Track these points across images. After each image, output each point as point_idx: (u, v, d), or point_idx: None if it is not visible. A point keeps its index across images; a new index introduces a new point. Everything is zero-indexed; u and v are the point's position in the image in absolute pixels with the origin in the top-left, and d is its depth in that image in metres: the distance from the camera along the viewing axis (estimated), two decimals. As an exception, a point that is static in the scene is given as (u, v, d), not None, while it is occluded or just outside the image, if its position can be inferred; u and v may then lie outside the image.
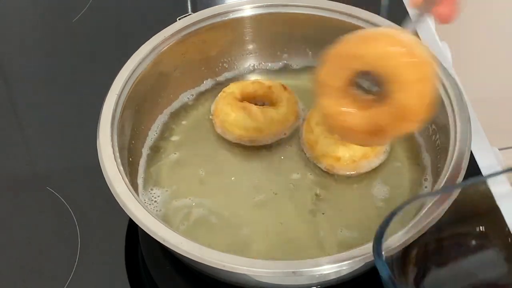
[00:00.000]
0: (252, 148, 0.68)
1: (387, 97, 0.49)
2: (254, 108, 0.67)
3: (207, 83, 0.73)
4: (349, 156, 0.63)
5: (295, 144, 0.68)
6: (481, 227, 0.54)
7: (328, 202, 0.63)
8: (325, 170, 0.65)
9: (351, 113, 0.51)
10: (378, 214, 0.61)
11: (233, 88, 0.70)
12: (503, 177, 0.51)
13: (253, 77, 0.74)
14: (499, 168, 0.66)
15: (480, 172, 0.66)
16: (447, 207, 0.51)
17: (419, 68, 0.47)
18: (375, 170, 0.65)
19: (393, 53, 0.48)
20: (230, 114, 0.67)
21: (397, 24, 0.68)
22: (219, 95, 0.70)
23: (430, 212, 0.52)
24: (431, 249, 0.53)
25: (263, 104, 0.70)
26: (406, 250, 0.50)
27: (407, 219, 0.52)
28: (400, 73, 0.48)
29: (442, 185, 0.55)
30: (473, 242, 0.54)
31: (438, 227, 0.52)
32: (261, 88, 0.70)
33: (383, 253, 0.46)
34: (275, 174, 0.66)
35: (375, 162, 0.65)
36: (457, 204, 0.51)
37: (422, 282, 0.52)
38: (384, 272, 0.45)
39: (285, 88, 0.69)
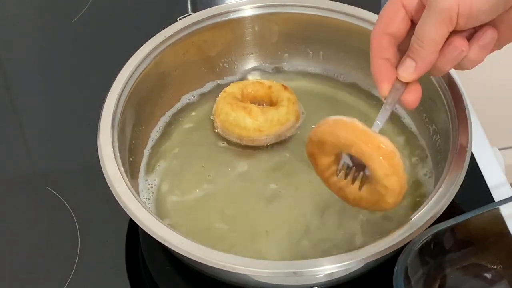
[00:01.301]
0: (253, 148, 0.68)
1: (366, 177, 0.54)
2: (254, 108, 0.67)
3: (208, 83, 0.73)
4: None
5: (296, 144, 0.68)
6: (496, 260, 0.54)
7: (332, 201, 0.63)
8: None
9: (337, 185, 0.56)
10: (383, 215, 0.61)
11: (234, 88, 0.70)
12: None
13: (253, 77, 0.74)
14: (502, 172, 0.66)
15: (481, 172, 0.66)
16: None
17: (388, 164, 0.51)
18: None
19: (363, 151, 0.51)
20: (230, 113, 0.67)
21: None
22: (219, 95, 0.70)
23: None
24: (452, 280, 0.53)
25: (263, 104, 0.70)
26: (428, 283, 0.52)
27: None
28: (372, 168, 0.52)
29: (442, 185, 0.55)
30: (488, 275, 0.54)
31: (462, 256, 0.53)
32: (262, 88, 0.70)
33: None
34: (276, 174, 0.66)
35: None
36: (474, 232, 0.53)
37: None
38: None
39: (285, 88, 0.69)
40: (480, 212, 0.52)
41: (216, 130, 0.69)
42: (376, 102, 0.71)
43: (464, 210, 0.58)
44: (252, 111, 0.67)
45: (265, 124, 0.66)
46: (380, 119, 0.53)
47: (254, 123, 0.66)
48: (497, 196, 0.64)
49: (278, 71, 0.75)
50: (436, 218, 0.53)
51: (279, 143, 0.68)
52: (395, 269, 0.49)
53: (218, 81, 0.74)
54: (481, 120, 0.71)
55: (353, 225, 0.61)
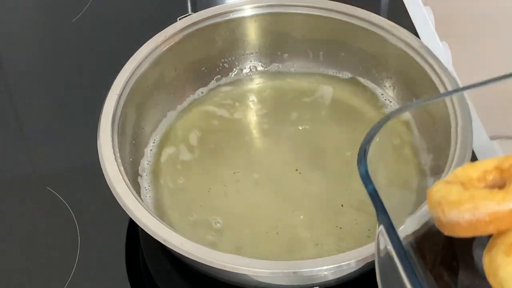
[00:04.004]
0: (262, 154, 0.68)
1: None
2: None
3: (208, 83, 0.73)
4: None
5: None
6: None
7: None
8: None
9: None
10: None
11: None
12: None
13: (254, 77, 0.74)
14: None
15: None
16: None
17: None
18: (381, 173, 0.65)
19: None
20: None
21: (396, 22, 0.69)
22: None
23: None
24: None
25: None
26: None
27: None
28: None
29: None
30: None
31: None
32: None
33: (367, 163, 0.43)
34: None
35: None
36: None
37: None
38: (369, 186, 0.42)
39: None
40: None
41: None
42: (377, 102, 0.71)
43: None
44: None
45: None
46: None
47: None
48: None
49: (278, 71, 0.75)
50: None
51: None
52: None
53: (218, 81, 0.74)
54: (481, 120, 0.71)
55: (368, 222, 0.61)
